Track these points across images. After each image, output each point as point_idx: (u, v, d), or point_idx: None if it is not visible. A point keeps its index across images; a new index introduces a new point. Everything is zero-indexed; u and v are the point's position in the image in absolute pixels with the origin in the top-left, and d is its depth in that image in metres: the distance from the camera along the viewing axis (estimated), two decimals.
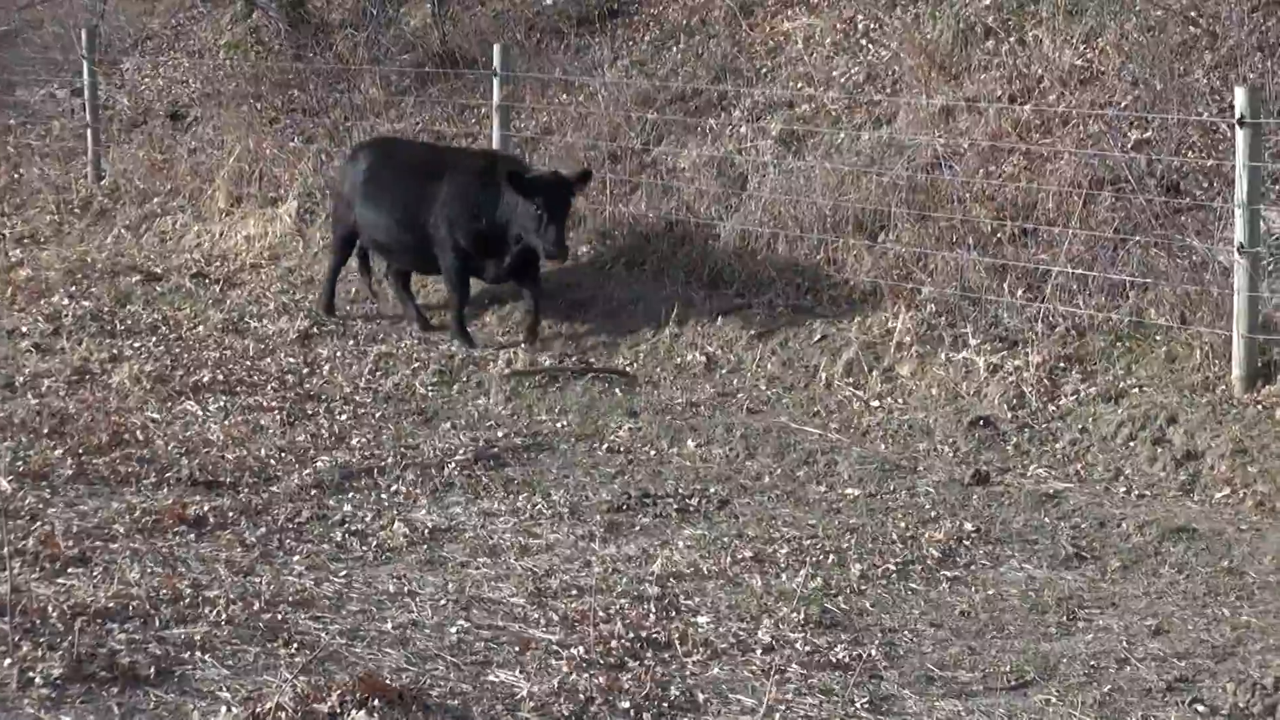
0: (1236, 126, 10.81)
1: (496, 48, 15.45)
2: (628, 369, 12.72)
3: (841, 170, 13.51)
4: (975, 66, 13.85)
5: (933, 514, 9.74)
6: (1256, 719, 7.05)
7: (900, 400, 11.63)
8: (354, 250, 14.68)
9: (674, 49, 16.09)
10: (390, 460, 10.51)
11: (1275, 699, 7.12)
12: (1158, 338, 11.28)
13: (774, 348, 12.52)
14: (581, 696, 7.10)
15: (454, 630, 7.88)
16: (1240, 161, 10.77)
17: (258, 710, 6.80)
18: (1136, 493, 10.14)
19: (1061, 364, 11.37)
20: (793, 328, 12.58)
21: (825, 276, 12.99)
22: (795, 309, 12.86)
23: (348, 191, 14.40)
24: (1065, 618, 8.26)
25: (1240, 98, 10.79)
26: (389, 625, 7.92)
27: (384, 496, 9.93)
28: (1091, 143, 12.57)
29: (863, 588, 8.60)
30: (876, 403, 11.64)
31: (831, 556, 9.00)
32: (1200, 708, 7.16)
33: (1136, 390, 10.95)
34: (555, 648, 7.65)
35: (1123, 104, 12.72)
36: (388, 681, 7.07)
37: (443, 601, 8.28)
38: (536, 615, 8.09)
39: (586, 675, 7.31)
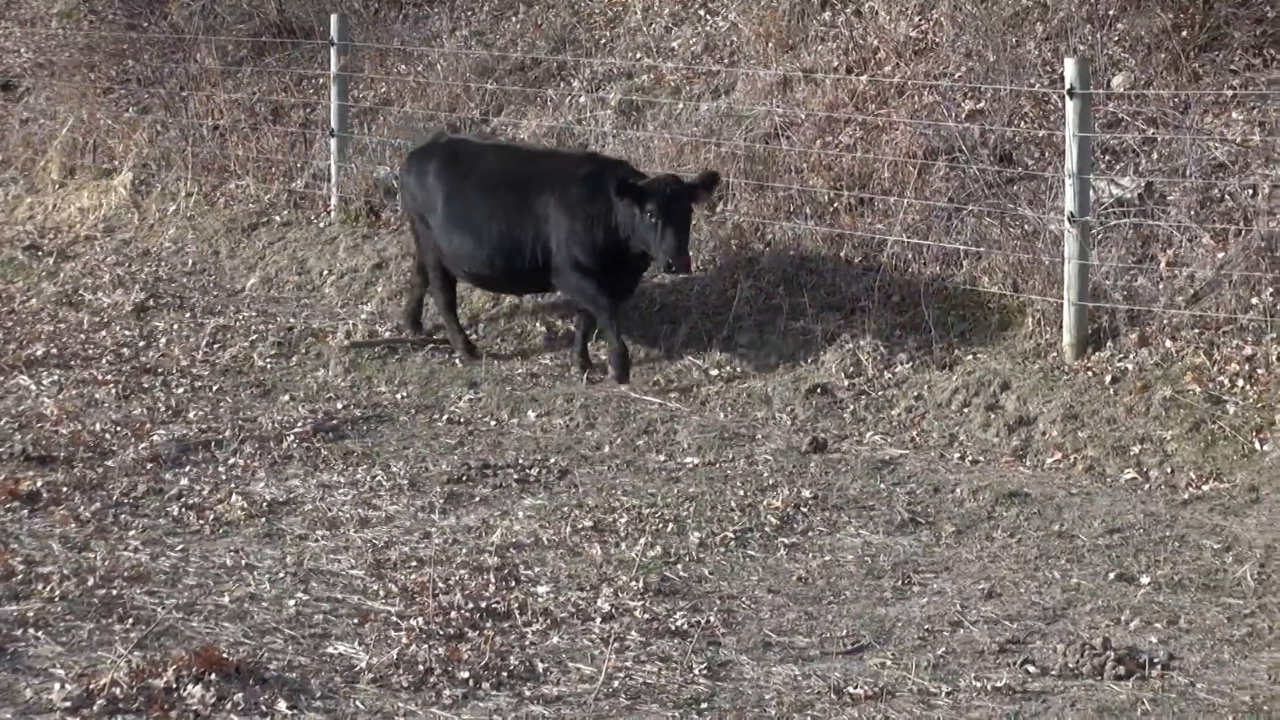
0: (1067, 97, 10.97)
1: (334, 17, 15.36)
2: (468, 340, 12.69)
3: (680, 140, 13.55)
4: (812, 38, 13.94)
5: (771, 482, 9.82)
6: (1085, 678, 7.17)
7: (739, 369, 11.71)
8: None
9: (513, 19, 16.04)
10: (228, 433, 10.42)
11: (1104, 659, 7.24)
12: (991, 305, 11.45)
13: None
14: (421, 667, 7.10)
15: (292, 603, 7.85)
16: (1070, 132, 10.94)
17: (92, 686, 6.72)
18: (970, 458, 10.29)
19: (897, 332, 11.51)
20: (635, 298, 12.60)
21: None
22: None
23: (421, 208, 12.61)
24: (900, 582, 8.37)
25: (1070, 69, 10.95)
26: (226, 599, 7.86)
27: (221, 470, 9.85)
28: (926, 113, 12.71)
29: (701, 555, 8.67)
30: (716, 371, 11.71)
31: (671, 525, 9.06)
32: (1031, 668, 7.28)
33: (970, 357, 11.11)
34: (394, 619, 7.64)
35: (956, 75, 12.87)
36: (225, 655, 7.02)
37: (281, 574, 8.24)
38: (376, 587, 8.08)
39: (426, 646, 7.30)
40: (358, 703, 6.83)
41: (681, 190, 11.60)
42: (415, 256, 13.02)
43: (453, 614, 7.67)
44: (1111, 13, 12.66)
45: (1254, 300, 10.57)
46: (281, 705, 6.74)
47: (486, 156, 12.64)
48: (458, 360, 12.29)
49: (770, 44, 14.03)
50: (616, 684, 7.05)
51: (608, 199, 11.70)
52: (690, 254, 11.69)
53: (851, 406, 11.02)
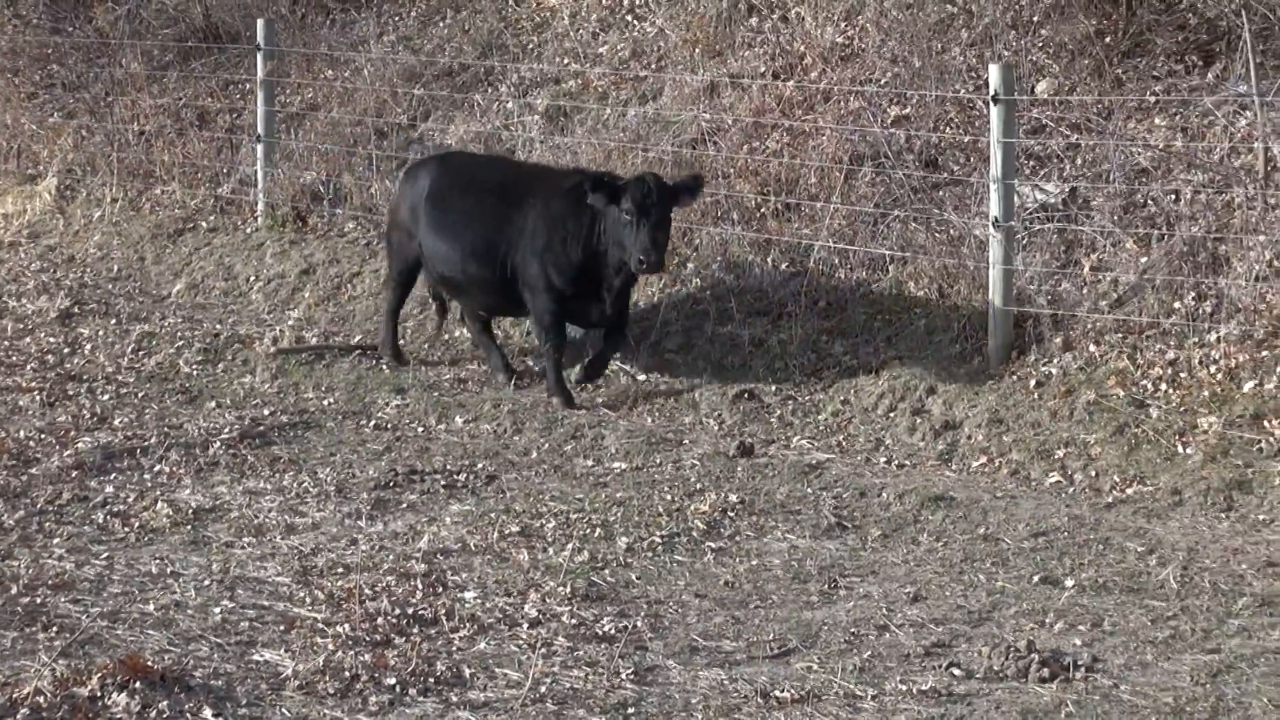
0: (991, 103, 11.04)
1: (260, 22, 15.33)
2: (398, 347, 12.66)
3: (608, 146, 13.56)
4: (739, 43, 13.98)
5: (698, 486, 9.84)
6: (1010, 681, 7.21)
7: (667, 375, 11.72)
8: (414, 285, 12.66)
9: (440, 24, 16.03)
10: (154, 440, 10.38)
11: (1028, 661, 7.29)
12: (917, 310, 11.50)
13: None
14: (347, 674, 7.09)
15: (218, 610, 7.82)
16: (994, 137, 11.01)
17: (15, 695, 6.69)
18: (897, 462, 10.34)
19: (824, 336, 11.56)
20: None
21: None
22: None
23: (406, 217, 12.29)
24: (827, 586, 8.40)
25: (994, 75, 11.02)
26: (151, 607, 7.83)
27: (147, 477, 9.81)
28: (852, 119, 12.76)
29: (629, 560, 8.68)
30: (643, 376, 11.72)
31: (598, 530, 9.06)
32: (956, 671, 7.31)
33: (897, 362, 11.16)
34: (321, 626, 7.62)
35: (882, 81, 12.93)
36: (150, 663, 6.99)
37: (206, 582, 8.21)
38: (302, 594, 8.06)
39: (352, 653, 7.29)
40: (283, 710, 6.81)
41: (662, 187, 11.23)
42: (430, 286, 12.72)
43: (379, 620, 7.66)
44: (1036, 19, 12.76)
45: (1176, 305, 10.65)
46: (207, 713, 6.71)
47: (479, 167, 12.57)
48: (384, 365, 12.23)
49: (697, 50, 14.07)
50: (543, 689, 7.05)
51: (591, 212, 11.30)
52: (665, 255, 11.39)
53: (779, 411, 11.06)
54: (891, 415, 10.76)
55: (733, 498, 9.60)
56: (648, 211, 11.05)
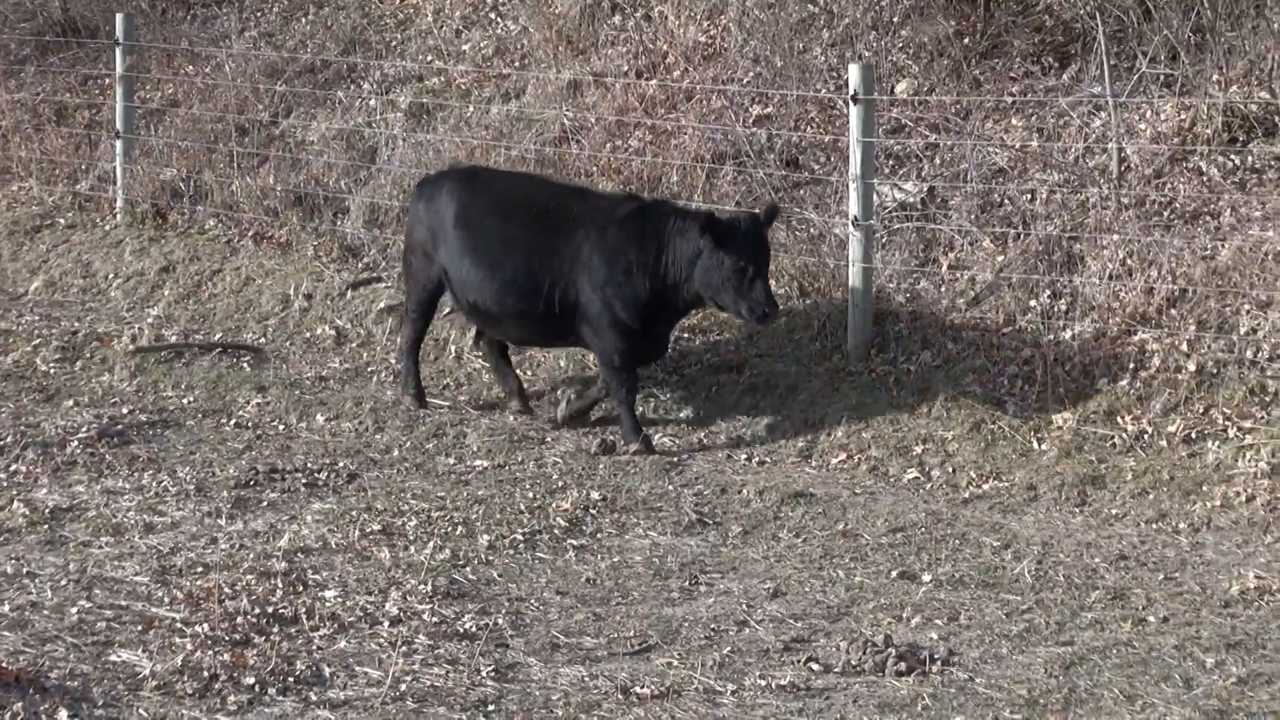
0: (851, 103, 11.13)
1: (119, 16, 15.14)
2: (256, 344, 12.58)
3: (471, 143, 13.55)
4: (603, 42, 14.01)
5: (560, 484, 9.86)
6: (868, 675, 7.29)
7: (528, 372, 11.73)
8: (434, 314, 11.71)
9: (303, 20, 15.94)
10: (9, 439, 10.25)
11: (885, 655, 7.37)
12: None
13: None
14: (206, 674, 7.04)
15: (74, 611, 7.73)
16: (854, 137, 11.10)
17: None
18: (757, 459, 10.40)
19: (686, 334, 11.59)
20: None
21: None
22: None
23: (424, 238, 11.32)
24: (688, 583, 8.44)
25: (854, 75, 11.11)
26: (6, 608, 7.73)
27: (2, 476, 9.69)
28: (714, 118, 12.82)
29: (490, 558, 8.68)
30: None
31: (460, 528, 9.06)
32: (815, 666, 7.38)
33: (758, 359, 11.23)
34: (179, 625, 7.56)
35: (744, 80, 13.00)
36: (3, 664, 6.91)
37: (63, 582, 8.12)
38: (161, 593, 7.99)
39: (211, 653, 7.24)
40: (141, 710, 6.76)
41: (764, 230, 10.54)
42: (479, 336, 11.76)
43: (239, 619, 7.61)
44: (896, 20, 12.88)
45: (1032, 303, 10.80)
46: (63, 714, 6.64)
47: (511, 186, 11.52)
48: (406, 402, 11.37)
49: (560, 48, 14.09)
50: (404, 687, 7.04)
51: (657, 242, 10.56)
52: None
53: (640, 409, 11.07)
54: (753, 412, 10.83)
55: (594, 495, 9.63)
56: (760, 260, 10.41)
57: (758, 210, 10.77)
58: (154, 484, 9.65)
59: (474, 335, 11.80)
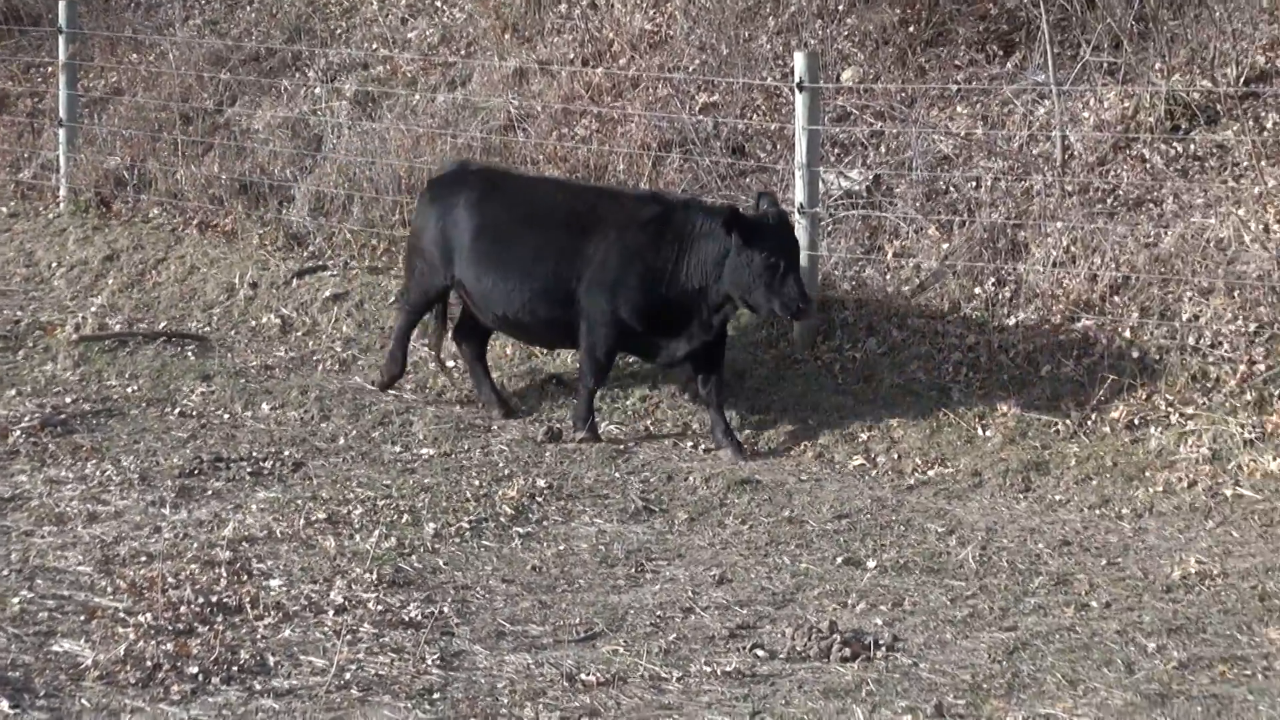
0: (797, 91, 11.15)
1: (62, 4, 15.07)
2: (201, 332, 12.53)
3: (417, 132, 13.52)
4: (549, 30, 14.00)
5: (506, 472, 9.86)
6: (813, 661, 7.31)
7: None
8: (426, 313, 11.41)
9: (247, 8, 15.88)
10: None
11: (830, 641, 7.39)
12: None
13: (350, 309, 12.49)
14: (149, 663, 7.01)
15: (16, 601, 7.69)
16: (800, 125, 11.12)
17: None
18: (704, 447, 10.41)
19: None
20: (368, 289, 12.57)
21: (401, 238, 12.97)
22: (372, 270, 12.85)
23: (433, 245, 10.96)
24: (634, 570, 8.45)
25: (800, 63, 11.14)
26: None
27: None
28: (660, 105, 12.83)
29: (436, 546, 8.67)
30: (451, 364, 11.69)
31: (405, 516, 9.04)
32: (760, 652, 7.40)
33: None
34: (122, 615, 7.53)
35: (690, 68, 13.01)
36: None
37: (5, 572, 8.08)
38: (104, 583, 7.96)
39: (154, 642, 7.21)
40: (83, 700, 6.73)
41: (790, 223, 10.43)
42: (458, 334, 11.35)
43: (182, 609, 7.59)
44: (841, 8, 12.91)
45: (977, 290, 10.85)
46: (4, 705, 6.62)
47: (532, 189, 11.24)
48: (378, 379, 11.34)
49: (506, 36, 14.07)
50: (349, 676, 7.02)
51: (677, 246, 10.30)
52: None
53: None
54: (699, 400, 10.84)
55: (540, 482, 9.63)
56: (791, 254, 10.18)
57: (764, 201, 10.39)
58: (97, 473, 9.60)
59: (453, 335, 11.37)
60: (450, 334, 11.39)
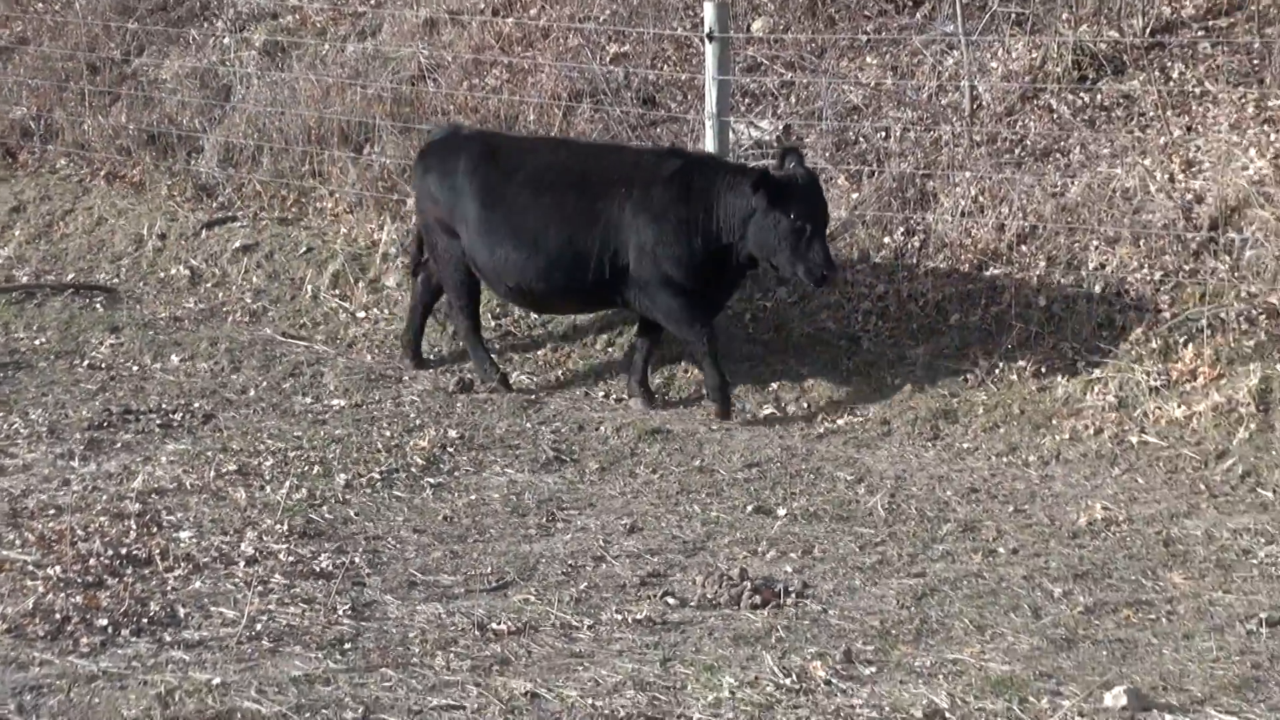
0: (707, 41, 11.15)
1: None
2: (109, 284, 12.44)
3: (326, 82, 13.43)
4: None
5: (418, 422, 9.86)
6: (723, 608, 7.35)
7: (386, 311, 11.69)
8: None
9: None
10: None
11: (741, 589, 7.43)
12: None
13: (260, 260, 12.43)
14: (58, 616, 6.98)
15: None
16: (710, 75, 11.12)
17: None
18: (614, 397, 10.44)
19: None
20: (279, 240, 12.52)
21: (311, 189, 12.93)
22: (281, 221, 12.78)
23: (441, 214, 10.63)
24: (545, 519, 8.47)
25: (709, 13, 11.12)
26: None
27: None
28: (571, 56, 12.79)
29: (347, 497, 8.66)
30: (363, 314, 11.68)
31: (316, 467, 9.03)
32: (671, 600, 7.43)
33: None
34: (31, 568, 7.49)
35: (601, 18, 12.98)
36: None
37: None
38: (12, 536, 7.90)
39: (63, 595, 7.18)
40: None
41: (820, 186, 10.06)
42: (421, 271, 11.07)
43: (91, 561, 7.55)
44: None
45: (886, 239, 10.90)
46: None
47: (533, 151, 10.75)
48: (488, 393, 10.56)
49: None
50: (259, 627, 7.01)
51: (706, 199, 10.00)
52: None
53: (498, 346, 11.09)
54: (609, 350, 10.86)
55: (452, 433, 9.64)
56: (818, 217, 9.85)
57: (792, 158, 10.01)
58: (5, 426, 9.55)
59: (444, 307, 11.06)
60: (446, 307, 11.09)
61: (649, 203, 10.07)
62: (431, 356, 11.08)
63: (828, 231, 10.09)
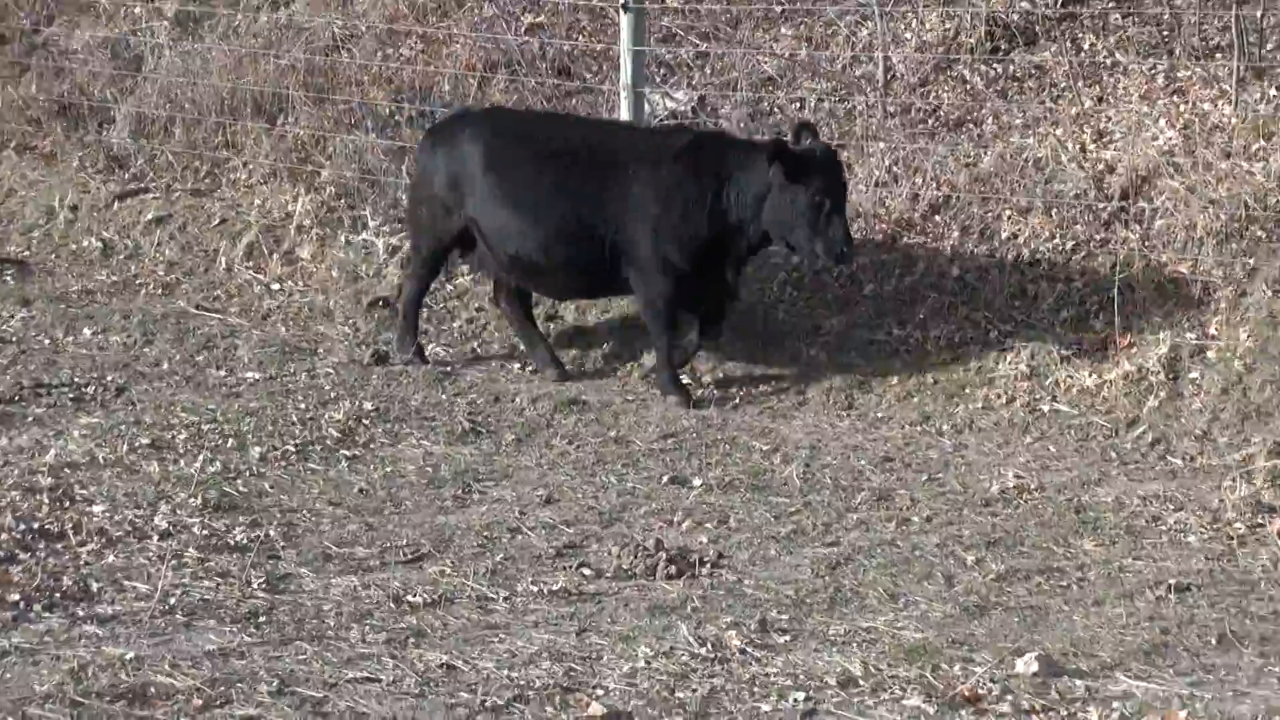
0: (622, 11, 11.14)
1: None
2: (20, 257, 12.34)
3: (239, 52, 13.35)
4: None
5: (333, 395, 9.83)
6: (639, 579, 7.37)
7: (300, 283, 11.65)
8: (442, 269, 11.01)
9: None
10: None
11: (656, 559, 7.44)
12: None
13: (173, 232, 12.37)
14: None
15: None
16: (625, 45, 11.13)
17: None
18: (530, 368, 10.43)
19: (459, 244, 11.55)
20: (192, 212, 12.45)
21: (224, 160, 12.86)
22: (195, 193, 12.71)
23: (444, 189, 10.38)
24: (461, 491, 8.46)
25: None
26: None
27: None
28: (486, 26, 12.76)
29: (262, 470, 8.63)
30: (277, 286, 11.63)
31: (231, 440, 8.99)
32: (587, 571, 7.44)
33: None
34: None
35: None
36: None
37: None
38: None
39: None
40: None
41: (839, 159, 9.83)
42: (501, 293, 10.68)
43: (3, 536, 7.47)
44: None
45: None
46: None
47: (541, 126, 10.63)
48: (403, 365, 10.47)
49: None
50: (173, 601, 6.97)
51: (716, 178, 9.76)
52: None
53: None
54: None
55: (368, 405, 9.62)
56: (837, 193, 9.59)
57: (805, 134, 9.77)
58: None
59: (493, 292, 10.82)
60: (490, 298, 10.90)
61: (656, 181, 9.84)
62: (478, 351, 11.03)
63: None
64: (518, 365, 10.48)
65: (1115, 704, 6.11)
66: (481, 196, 10.19)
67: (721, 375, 10.16)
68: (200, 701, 5.98)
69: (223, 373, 10.25)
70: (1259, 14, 10.58)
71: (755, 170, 9.63)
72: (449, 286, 11.27)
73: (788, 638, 6.72)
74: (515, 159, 10.19)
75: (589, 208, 9.96)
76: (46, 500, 7.97)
